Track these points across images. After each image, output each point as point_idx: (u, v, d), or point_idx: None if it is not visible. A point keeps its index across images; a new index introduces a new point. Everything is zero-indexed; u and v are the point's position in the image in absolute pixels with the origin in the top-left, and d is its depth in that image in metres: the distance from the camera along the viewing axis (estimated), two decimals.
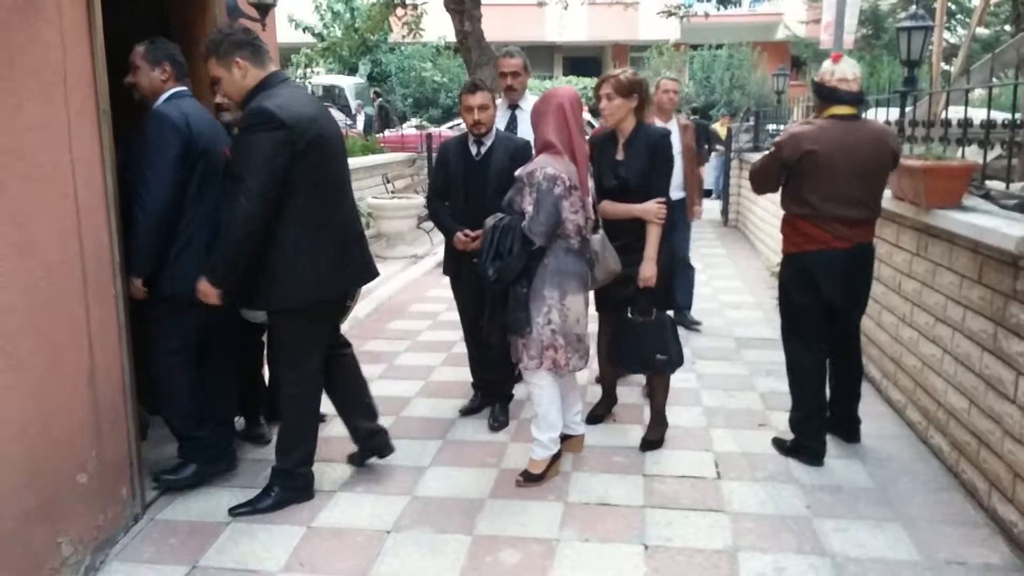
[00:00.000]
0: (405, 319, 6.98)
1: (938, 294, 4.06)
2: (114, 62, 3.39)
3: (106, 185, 3.18)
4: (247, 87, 3.34)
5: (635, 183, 3.93)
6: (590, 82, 23.60)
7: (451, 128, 16.94)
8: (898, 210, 4.42)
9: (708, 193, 14.07)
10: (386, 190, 11.41)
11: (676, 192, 5.71)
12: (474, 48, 10.22)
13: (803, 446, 4.01)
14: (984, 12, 9.46)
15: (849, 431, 4.20)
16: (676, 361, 4.07)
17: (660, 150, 3.97)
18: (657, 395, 4.28)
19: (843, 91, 3.76)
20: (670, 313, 4.21)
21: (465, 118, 4.27)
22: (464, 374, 4.97)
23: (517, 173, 3.70)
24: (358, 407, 3.86)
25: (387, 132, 17.74)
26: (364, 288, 3.85)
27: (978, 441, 3.57)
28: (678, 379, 4.28)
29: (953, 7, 21.27)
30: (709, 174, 13.92)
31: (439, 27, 17.95)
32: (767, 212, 9.46)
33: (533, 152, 3.89)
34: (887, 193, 4.17)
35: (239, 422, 4.27)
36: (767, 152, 3.98)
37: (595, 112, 10.11)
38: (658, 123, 5.57)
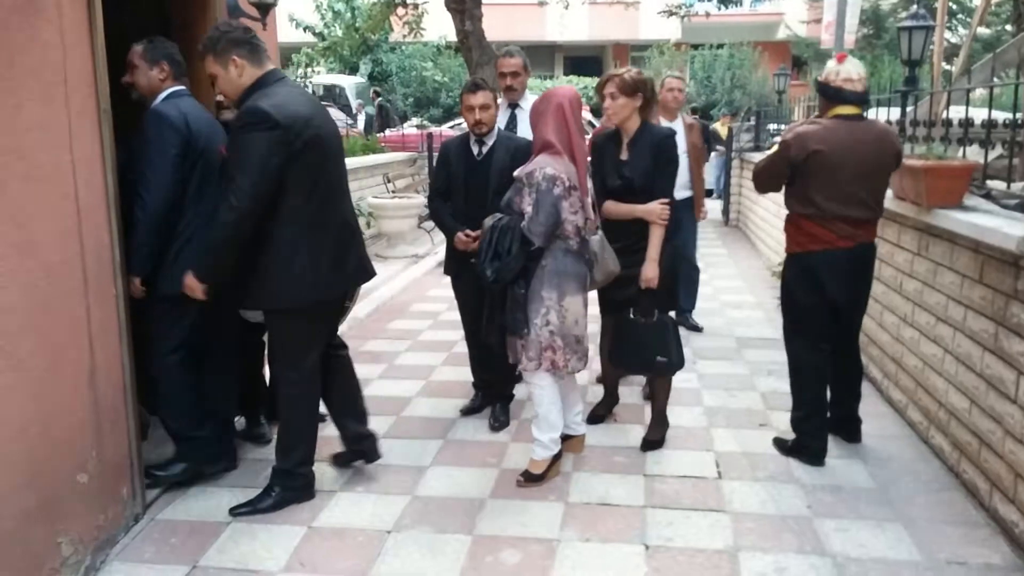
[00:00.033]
0: (406, 319, 6.98)
1: (939, 294, 4.06)
2: (115, 61, 3.39)
3: (107, 185, 3.18)
4: (243, 85, 3.34)
5: (639, 183, 3.92)
6: (591, 82, 23.62)
7: (452, 128, 16.94)
8: (899, 210, 4.42)
9: (709, 193, 14.02)
10: (387, 190, 11.41)
11: (682, 191, 5.63)
12: (475, 47, 10.21)
13: (804, 446, 4.01)
14: (985, 12, 9.46)
15: (850, 431, 4.20)
16: (677, 363, 4.05)
17: (664, 150, 3.95)
18: (658, 396, 4.27)
19: (848, 91, 3.76)
20: (672, 314, 4.21)
21: (466, 117, 4.26)
22: (465, 374, 4.96)
23: (516, 173, 3.69)
24: (351, 410, 3.84)
25: (388, 132, 17.73)
26: (365, 287, 3.85)
27: (979, 441, 3.57)
28: (679, 379, 4.28)
29: (954, 7, 21.25)
30: (710, 173, 13.90)
31: (440, 26, 17.96)
32: (768, 212, 9.46)
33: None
34: (888, 193, 4.17)
35: (240, 422, 4.27)
36: (772, 151, 3.97)
37: (596, 112, 10.12)
38: (663, 122, 5.49)
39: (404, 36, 14.98)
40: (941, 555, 3.18)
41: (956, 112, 4.47)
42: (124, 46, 3.61)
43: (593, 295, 3.95)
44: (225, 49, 3.30)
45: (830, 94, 3.81)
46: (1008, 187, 3.97)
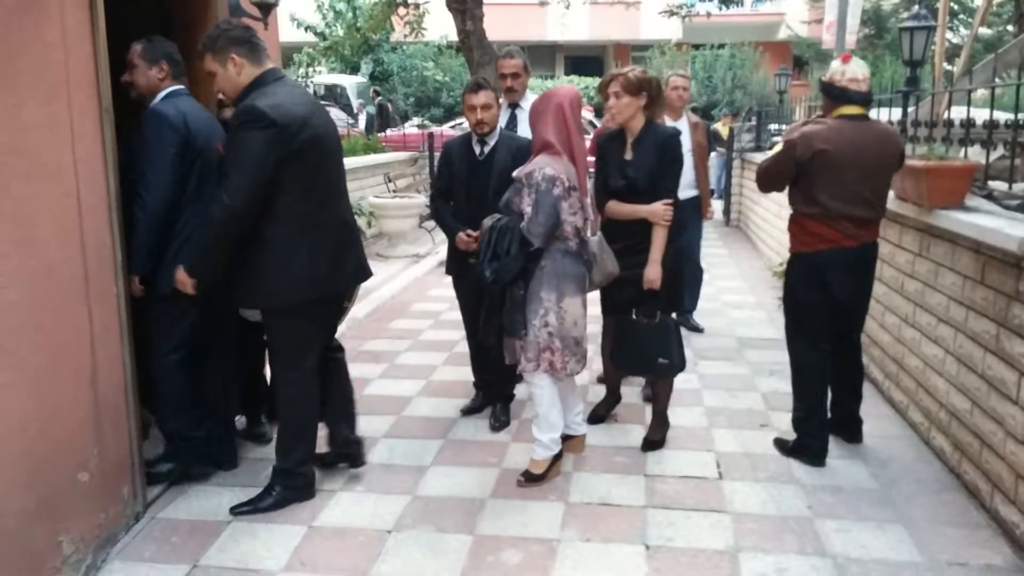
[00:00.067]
0: (407, 318, 6.98)
1: (940, 295, 4.06)
2: (116, 61, 3.39)
3: (108, 184, 3.18)
4: (242, 84, 3.34)
5: (643, 183, 3.89)
6: (591, 82, 23.63)
7: (453, 127, 16.95)
8: (901, 210, 4.41)
9: (710, 193, 14.04)
10: (388, 189, 11.42)
11: (687, 191, 5.57)
12: (476, 47, 10.22)
13: (805, 446, 4.01)
14: (987, 12, 9.46)
15: (851, 432, 4.20)
16: (678, 365, 4.03)
17: (669, 149, 3.92)
18: (659, 396, 4.27)
19: (853, 91, 3.76)
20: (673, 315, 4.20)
21: (468, 117, 4.26)
22: (466, 373, 4.96)
23: (515, 174, 3.68)
24: (342, 414, 3.83)
25: (389, 131, 17.73)
26: (366, 287, 3.85)
27: (980, 442, 3.57)
28: (680, 379, 4.27)
29: (956, 7, 21.25)
30: (710, 173, 13.90)
31: (441, 26, 17.97)
32: (769, 212, 9.46)
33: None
34: (890, 194, 4.17)
35: (240, 421, 4.27)
36: (777, 151, 3.96)
37: (600, 112, 10.11)
38: (668, 121, 5.41)
39: (405, 36, 14.99)
40: (942, 556, 3.18)
41: (958, 113, 4.46)
42: (126, 45, 3.61)
43: (594, 295, 3.95)
44: (224, 47, 3.30)
45: (835, 94, 3.81)
46: (1010, 188, 3.96)
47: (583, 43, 28.11)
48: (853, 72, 3.77)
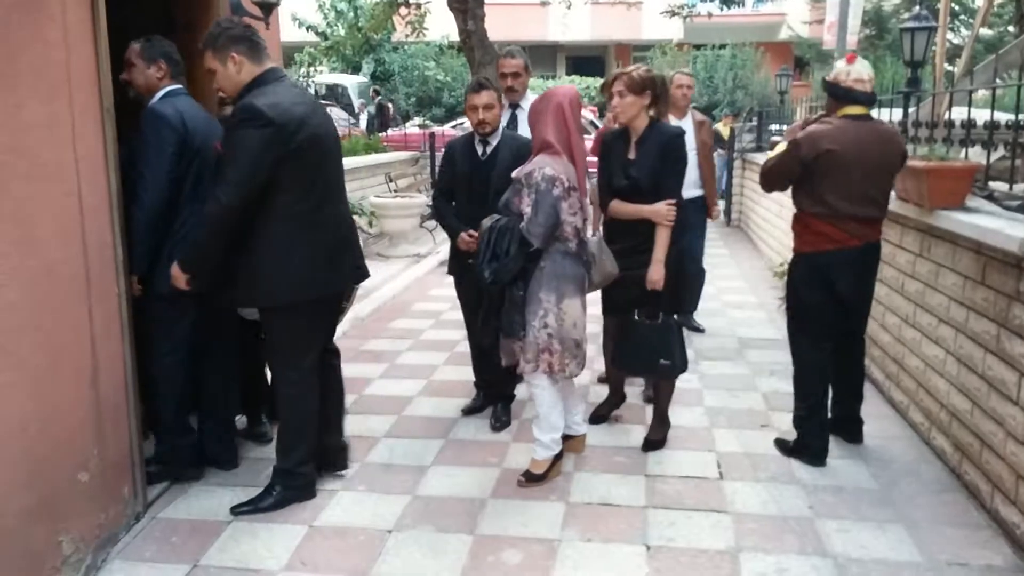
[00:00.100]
0: (407, 318, 6.98)
1: (941, 295, 4.06)
2: (118, 60, 3.39)
3: (109, 183, 3.18)
4: (241, 82, 3.34)
5: (646, 183, 3.88)
6: (593, 82, 23.65)
7: (454, 127, 16.95)
8: (901, 211, 4.41)
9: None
10: (389, 189, 11.42)
11: (691, 190, 5.51)
12: (477, 47, 10.22)
13: (806, 445, 4.00)
14: (988, 13, 9.46)
15: (852, 432, 4.20)
16: (680, 366, 4.03)
17: (673, 149, 3.90)
18: (661, 396, 4.26)
19: (859, 91, 3.77)
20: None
21: (470, 117, 4.25)
22: (467, 373, 4.96)
23: (514, 174, 3.68)
24: (332, 420, 3.81)
25: (389, 131, 17.74)
26: (367, 287, 3.84)
27: (981, 443, 3.57)
28: (681, 379, 4.27)
29: (956, 8, 21.24)
30: None
31: (442, 26, 17.94)
32: (769, 212, 9.46)
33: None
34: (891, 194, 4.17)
35: (241, 420, 4.27)
36: (781, 150, 3.95)
37: (604, 111, 10.09)
38: (672, 120, 5.30)
39: (407, 36, 14.98)
40: (942, 556, 3.18)
41: (958, 113, 4.46)
42: (127, 44, 3.61)
43: (594, 295, 3.94)
44: (224, 45, 3.30)
45: (840, 94, 3.82)
46: (1010, 188, 3.97)
47: (584, 43, 28.10)
48: (858, 72, 3.78)
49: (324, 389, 3.69)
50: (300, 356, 3.52)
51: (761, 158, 7.55)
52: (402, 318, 6.97)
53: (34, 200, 2.78)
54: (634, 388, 4.98)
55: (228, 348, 3.89)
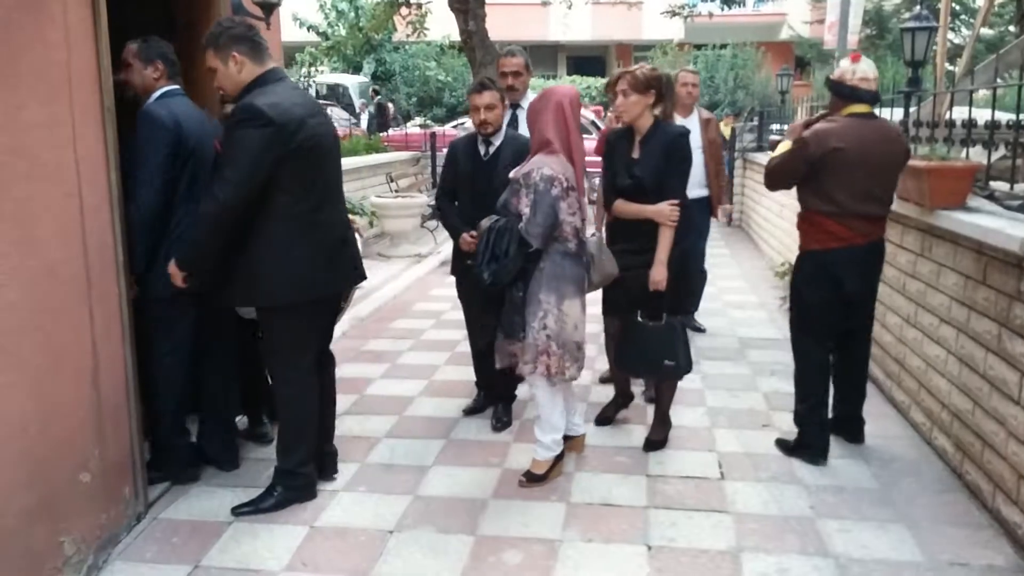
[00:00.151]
0: (408, 318, 6.98)
1: (942, 295, 4.05)
2: (118, 60, 3.39)
3: (110, 184, 3.18)
4: (242, 82, 3.34)
5: (649, 183, 3.86)
6: (593, 82, 23.66)
7: (455, 127, 16.95)
8: (902, 211, 4.41)
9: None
10: (390, 189, 11.42)
11: (696, 190, 5.44)
12: (478, 47, 10.22)
13: (807, 444, 4.00)
14: (988, 13, 9.44)
15: (853, 431, 4.20)
16: (685, 367, 4.02)
17: (677, 149, 3.88)
18: (662, 396, 4.25)
19: (864, 90, 3.78)
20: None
21: (472, 117, 4.25)
22: (468, 373, 4.96)
23: (512, 174, 3.67)
24: (321, 427, 3.78)
25: (390, 131, 17.74)
26: (368, 287, 3.84)
27: (982, 442, 3.56)
28: (682, 380, 4.27)
29: (957, 7, 21.23)
30: None
31: (443, 26, 17.91)
32: (770, 212, 9.45)
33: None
34: None
35: (242, 421, 4.27)
36: (786, 149, 3.94)
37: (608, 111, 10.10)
38: (677, 118, 5.20)
39: (408, 36, 14.98)
40: (944, 556, 3.17)
41: (959, 113, 4.46)
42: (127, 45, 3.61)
43: (594, 295, 3.94)
44: (226, 44, 3.30)
45: (845, 93, 3.82)
46: (1011, 188, 3.96)
47: (585, 43, 28.10)
48: (864, 71, 3.79)
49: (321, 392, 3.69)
50: (299, 356, 3.51)
51: (762, 158, 7.55)
52: (403, 318, 6.96)
53: (34, 200, 2.78)
54: (635, 388, 4.97)
55: (228, 348, 3.89)
